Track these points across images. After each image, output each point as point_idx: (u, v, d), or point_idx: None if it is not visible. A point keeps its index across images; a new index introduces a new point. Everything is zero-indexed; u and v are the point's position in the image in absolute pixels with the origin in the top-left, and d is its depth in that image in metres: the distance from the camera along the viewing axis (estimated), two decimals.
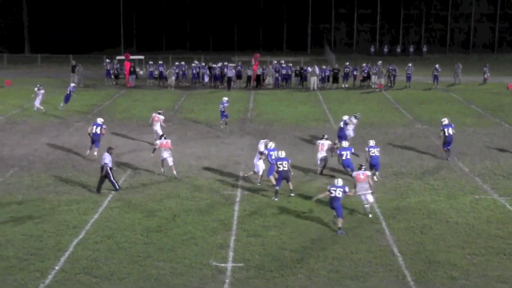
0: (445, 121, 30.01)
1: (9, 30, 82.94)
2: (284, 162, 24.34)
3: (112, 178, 24.76)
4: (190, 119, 39.45)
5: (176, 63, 54.68)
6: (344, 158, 26.27)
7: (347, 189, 21.26)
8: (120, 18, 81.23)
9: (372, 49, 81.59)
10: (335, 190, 21.07)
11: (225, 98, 36.89)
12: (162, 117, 32.94)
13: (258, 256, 18.89)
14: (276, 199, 23.95)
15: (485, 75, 55.67)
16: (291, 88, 52.57)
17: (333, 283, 17.27)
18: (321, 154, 27.33)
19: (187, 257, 18.73)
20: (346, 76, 53.30)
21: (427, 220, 22.00)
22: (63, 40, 79.85)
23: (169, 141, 27.19)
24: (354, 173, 23.10)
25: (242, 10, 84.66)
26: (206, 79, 52.85)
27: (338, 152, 26.80)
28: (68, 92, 41.60)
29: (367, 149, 26.57)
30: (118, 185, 25.00)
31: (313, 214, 22.50)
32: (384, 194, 24.75)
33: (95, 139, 29.69)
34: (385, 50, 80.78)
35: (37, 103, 40.54)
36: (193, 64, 54.17)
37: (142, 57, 60.55)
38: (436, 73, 52.55)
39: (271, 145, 26.30)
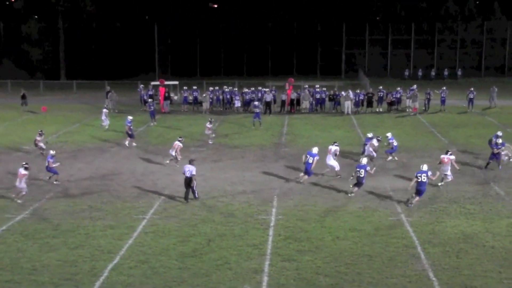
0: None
1: (45, 57, 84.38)
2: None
3: (194, 188, 27.04)
4: (224, 144, 39.62)
5: (211, 88, 55.03)
6: (359, 174, 27.27)
7: (430, 173, 25.83)
8: (155, 43, 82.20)
9: (407, 73, 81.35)
10: (420, 176, 25.51)
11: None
12: (181, 145, 33.63)
13: (293, 281, 18.86)
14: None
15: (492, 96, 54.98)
16: (325, 112, 52.57)
17: None
18: (328, 159, 30.12)
19: (222, 282, 18.77)
20: (380, 100, 53.21)
21: (463, 244, 21.80)
22: (98, 67, 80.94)
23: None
24: (441, 156, 29.15)
25: (276, 35, 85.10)
26: (238, 104, 53.14)
27: (356, 167, 28.17)
28: (152, 109, 46.88)
29: (416, 174, 26.43)
30: (197, 194, 27.39)
31: (347, 238, 22.41)
32: (419, 218, 24.58)
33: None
34: (419, 74, 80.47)
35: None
36: (226, 89, 54.54)
37: (176, 82, 61.09)
38: (471, 97, 52.20)
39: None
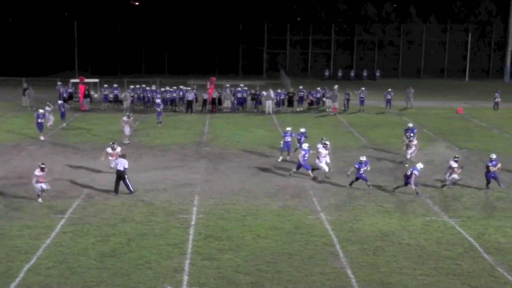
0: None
1: None
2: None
3: (128, 181, 27.60)
4: (145, 143, 39.35)
5: (132, 87, 54.57)
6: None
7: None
8: (75, 41, 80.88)
9: (327, 73, 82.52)
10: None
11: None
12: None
13: (213, 279, 18.91)
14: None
15: (496, 100, 56.18)
16: (247, 112, 52.84)
17: None
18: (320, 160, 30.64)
19: (142, 282, 18.66)
20: (300, 100, 53.83)
21: (380, 242, 22.30)
22: (15, 63, 79.03)
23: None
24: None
25: (198, 34, 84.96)
26: (159, 102, 52.72)
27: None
28: (63, 111, 45.39)
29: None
30: (132, 188, 27.74)
31: (267, 237, 22.62)
32: (338, 216, 25.01)
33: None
34: (339, 74, 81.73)
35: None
36: (147, 88, 54.18)
37: (96, 80, 60.25)
38: (389, 97, 53.39)
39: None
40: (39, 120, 39.51)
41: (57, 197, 27.19)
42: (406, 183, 27.89)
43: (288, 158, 34.31)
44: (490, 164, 29.05)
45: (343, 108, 53.57)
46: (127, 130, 38.92)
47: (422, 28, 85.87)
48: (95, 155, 35.30)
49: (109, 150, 30.67)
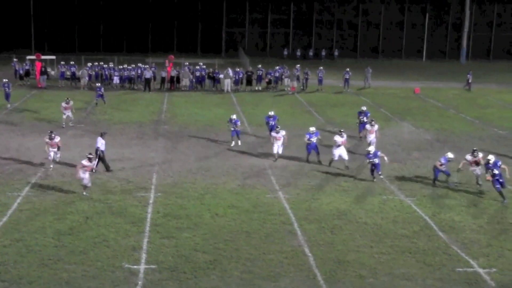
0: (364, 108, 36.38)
1: None
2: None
3: (105, 161, 27.86)
4: (103, 121, 39.04)
5: (89, 64, 53.96)
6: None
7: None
8: (31, 17, 79.53)
9: (286, 53, 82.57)
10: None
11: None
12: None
13: (171, 258, 18.95)
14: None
15: (469, 81, 56.27)
16: (205, 90, 52.69)
17: (246, 284, 17.50)
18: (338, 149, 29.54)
19: (100, 260, 18.62)
20: (259, 79, 53.84)
21: (338, 220, 22.54)
22: None
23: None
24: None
25: (156, 11, 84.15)
26: (116, 80, 52.46)
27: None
28: (8, 91, 42.47)
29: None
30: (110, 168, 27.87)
31: (226, 215, 22.70)
32: (296, 195, 25.19)
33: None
34: (298, 54, 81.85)
35: None
36: (104, 65, 53.67)
37: (53, 57, 59.42)
38: (347, 77, 53.69)
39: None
40: None
41: (14, 174, 26.89)
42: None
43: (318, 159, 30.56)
44: (442, 162, 27.12)
45: (301, 88, 53.74)
46: (68, 115, 36.96)
47: (380, 8, 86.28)
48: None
49: (46, 139, 28.32)
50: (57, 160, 28.45)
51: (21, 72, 53.02)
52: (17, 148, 31.50)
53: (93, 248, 19.45)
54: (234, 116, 33.87)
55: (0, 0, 79.62)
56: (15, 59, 54.93)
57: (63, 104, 37.02)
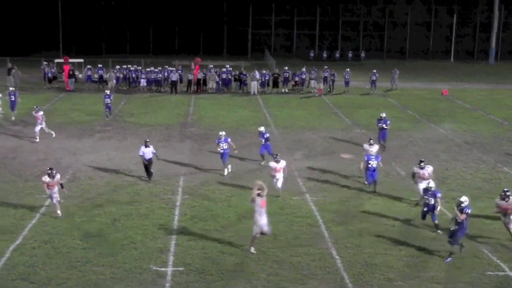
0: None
1: None
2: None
3: (149, 170, 26.83)
4: (130, 123, 39.20)
5: (118, 67, 54.24)
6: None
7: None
8: (59, 20, 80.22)
9: (312, 54, 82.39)
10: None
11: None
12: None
13: (198, 260, 18.95)
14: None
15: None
16: (232, 92, 52.71)
17: (273, 286, 17.45)
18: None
19: (127, 262, 18.67)
20: (285, 81, 53.76)
21: (366, 223, 22.39)
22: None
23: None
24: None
25: (183, 14, 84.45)
26: (143, 83, 52.68)
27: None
28: (13, 99, 39.82)
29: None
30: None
31: (252, 218, 22.61)
32: (323, 197, 25.08)
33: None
34: (324, 55, 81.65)
35: None
36: (131, 68, 53.93)
37: (81, 60, 59.79)
38: (374, 78, 53.39)
39: None
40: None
41: (41, 176, 27.03)
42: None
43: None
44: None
45: (328, 89, 53.57)
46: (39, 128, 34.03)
47: (406, 9, 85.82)
48: (80, 135, 35.26)
49: (45, 179, 22.65)
50: (58, 201, 22.69)
51: (49, 75, 53.45)
52: (45, 151, 31.72)
53: (121, 251, 19.51)
54: (262, 129, 30.47)
55: (29, 4, 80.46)
56: (44, 62, 55.38)
57: (34, 113, 34.43)
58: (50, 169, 22.81)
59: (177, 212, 23.15)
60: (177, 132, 36.97)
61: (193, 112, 43.80)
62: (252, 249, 19.64)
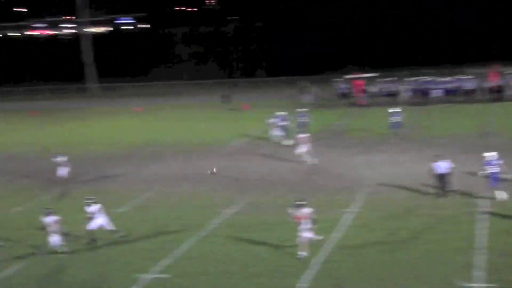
0: None
1: (244, 56, 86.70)
2: None
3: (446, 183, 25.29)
4: (427, 136, 38.25)
5: (411, 79, 53.71)
6: None
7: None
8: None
9: None
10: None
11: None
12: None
13: None
14: None
15: None
16: None
17: None
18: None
19: (431, 275, 17.99)
20: None
21: None
22: (296, 62, 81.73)
23: None
24: None
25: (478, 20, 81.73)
26: (437, 93, 51.47)
27: None
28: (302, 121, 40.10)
29: None
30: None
31: None
32: None
33: None
34: None
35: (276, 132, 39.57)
36: (426, 79, 53.15)
37: (374, 74, 59.86)
38: None
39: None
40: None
41: (340, 190, 27.36)
42: None
43: None
44: None
45: None
46: (303, 149, 33.15)
47: None
48: (378, 149, 35.37)
49: (293, 211, 20.71)
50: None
51: (344, 91, 54.58)
52: (345, 165, 32.08)
53: (424, 264, 18.85)
54: None
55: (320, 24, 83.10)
56: (337, 79, 56.61)
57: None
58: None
59: (486, 225, 21.80)
60: (469, 144, 35.17)
61: (494, 121, 41.62)
62: None
